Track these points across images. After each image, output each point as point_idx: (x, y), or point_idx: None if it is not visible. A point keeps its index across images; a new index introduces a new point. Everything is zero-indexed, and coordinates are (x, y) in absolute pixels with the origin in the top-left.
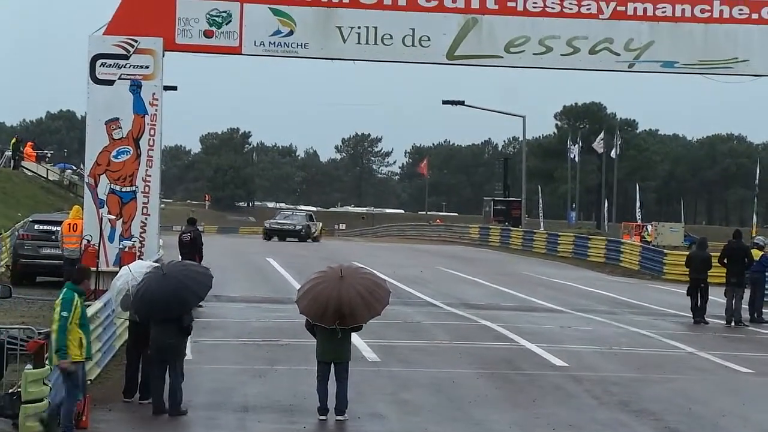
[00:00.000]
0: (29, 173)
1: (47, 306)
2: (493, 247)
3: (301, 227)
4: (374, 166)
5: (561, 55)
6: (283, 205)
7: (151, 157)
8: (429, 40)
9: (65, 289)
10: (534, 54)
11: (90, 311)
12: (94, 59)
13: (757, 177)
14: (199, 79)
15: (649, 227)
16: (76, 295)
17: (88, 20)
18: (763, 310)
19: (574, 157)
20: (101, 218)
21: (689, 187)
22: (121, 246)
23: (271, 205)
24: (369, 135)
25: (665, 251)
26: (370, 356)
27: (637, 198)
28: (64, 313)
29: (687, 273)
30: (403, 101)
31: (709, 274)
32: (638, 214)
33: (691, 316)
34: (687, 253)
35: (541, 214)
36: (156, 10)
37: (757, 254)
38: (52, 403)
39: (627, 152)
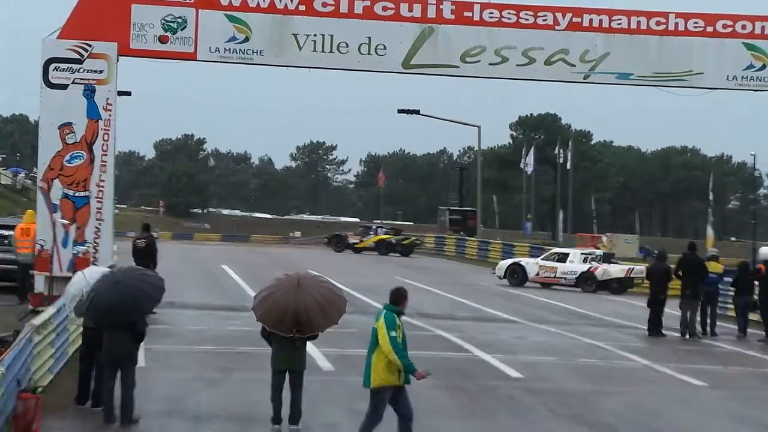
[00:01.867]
0: None
1: (0, 310)
2: (448, 257)
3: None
4: (329, 174)
5: (517, 65)
6: (237, 212)
7: (105, 162)
8: (385, 48)
9: (384, 311)
10: (490, 64)
11: (43, 317)
12: (48, 63)
13: (711, 189)
14: (154, 84)
15: (604, 238)
16: (395, 316)
17: (42, 23)
18: (717, 323)
19: (525, 167)
20: (54, 223)
21: (643, 198)
22: (74, 251)
23: (225, 212)
24: (324, 143)
25: (620, 263)
26: (325, 365)
27: (592, 209)
28: (392, 333)
29: (645, 285)
30: (358, 110)
31: (669, 286)
32: (593, 226)
33: (646, 327)
34: (643, 264)
35: (497, 224)
36: (111, 14)
37: (716, 267)
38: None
39: (582, 163)
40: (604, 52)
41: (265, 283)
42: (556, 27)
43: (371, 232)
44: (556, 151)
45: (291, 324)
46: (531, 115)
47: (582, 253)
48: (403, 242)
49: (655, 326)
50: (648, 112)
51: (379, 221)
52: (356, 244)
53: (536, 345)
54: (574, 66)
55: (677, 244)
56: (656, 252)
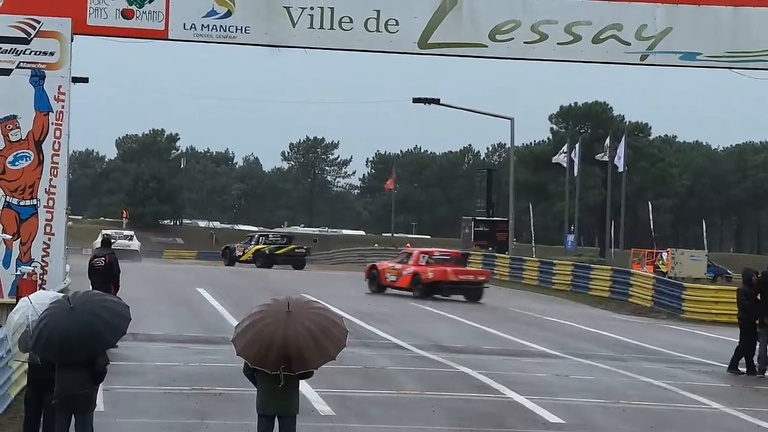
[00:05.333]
0: None
1: None
2: None
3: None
4: (329, 178)
5: (558, 44)
6: (217, 224)
7: (57, 163)
8: (397, 24)
9: None
10: (525, 42)
11: None
12: None
13: None
14: (116, 69)
15: (665, 255)
16: None
17: None
18: None
19: (563, 162)
20: None
21: (714, 206)
22: (18, 272)
23: (202, 224)
24: (323, 140)
25: (684, 284)
26: (323, 409)
27: (650, 219)
28: None
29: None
30: (364, 99)
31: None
32: (652, 239)
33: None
34: (710, 286)
35: (532, 238)
36: None
37: None
38: None
39: (638, 163)
40: (665, 26)
41: (249, 309)
42: None
43: (252, 242)
44: (605, 149)
45: (277, 359)
46: (575, 104)
47: None
48: (277, 252)
49: (735, 361)
50: (719, 101)
51: (267, 229)
52: (240, 256)
53: (580, 384)
54: (629, 44)
55: (755, 261)
56: (728, 272)
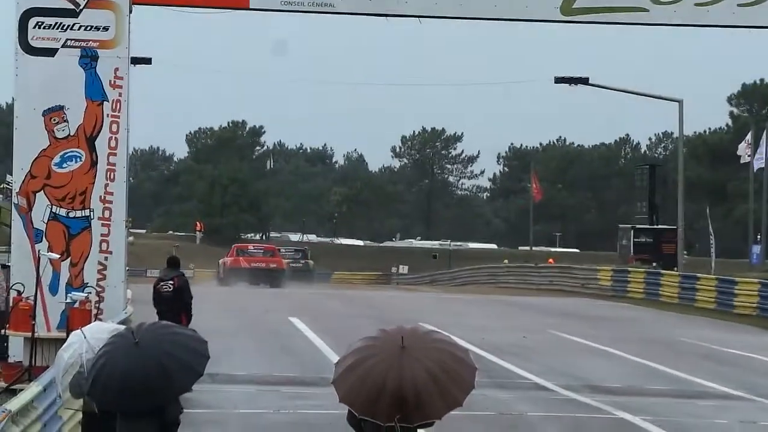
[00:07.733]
0: None
1: None
2: (634, 300)
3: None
4: (451, 179)
5: (738, 5)
6: (313, 237)
7: (113, 165)
8: None
9: None
10: (696, 5)
11: (22, 399)
12: (25, 17)
13: None
14: (185, 48)
15: None
16: None
17: None
18: None
19: (749, 158)
20: (38, 258)
21: None
22: (68, 300)
23: (294, 237)
24: (443, 131)
25: None
26: None
27: None
28: None
29: None
30: (494, 81)
31: None
32: None
33: None
34: None
35: (712, 250)
36: None
37: None
38: None
39: None
40: None
41: (352, 344)
42: None
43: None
44: None
45: (391, 407)
46: (761, 82)
47: None
48: None
49: None
50: None
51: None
52: None
53: None
54: None
55: None
56: None
